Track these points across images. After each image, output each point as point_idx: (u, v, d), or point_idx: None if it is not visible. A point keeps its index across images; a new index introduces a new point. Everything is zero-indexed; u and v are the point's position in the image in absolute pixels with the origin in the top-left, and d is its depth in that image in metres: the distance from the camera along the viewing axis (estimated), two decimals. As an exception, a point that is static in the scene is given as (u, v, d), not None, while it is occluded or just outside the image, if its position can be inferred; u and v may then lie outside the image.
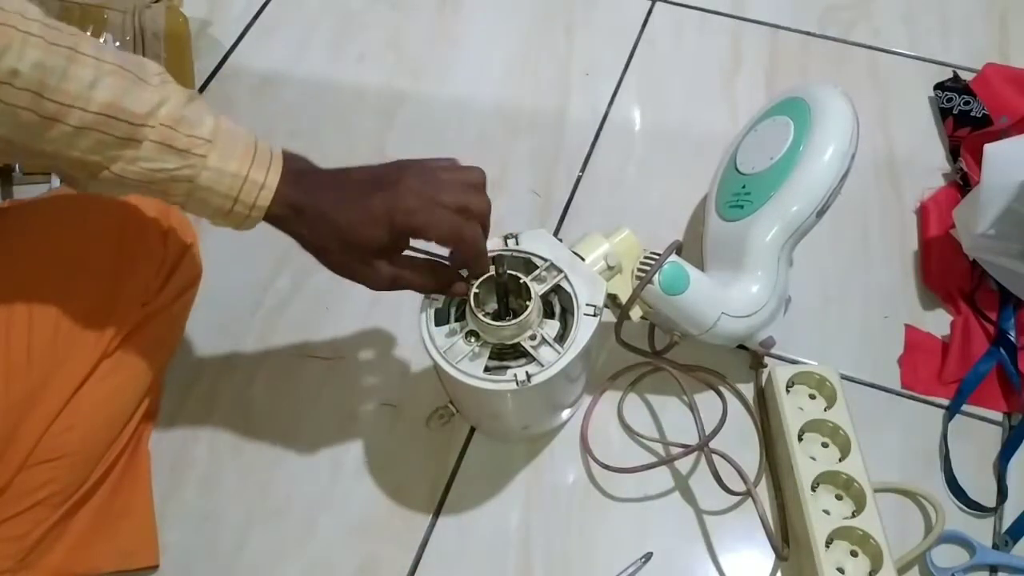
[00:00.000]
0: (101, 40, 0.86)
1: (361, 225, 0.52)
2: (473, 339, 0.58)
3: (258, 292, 0.83)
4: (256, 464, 0.74)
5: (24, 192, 0.87)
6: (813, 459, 0.67)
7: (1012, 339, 0.75)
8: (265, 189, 0.51)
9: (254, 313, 0.81)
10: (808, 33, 1.00)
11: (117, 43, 0.88)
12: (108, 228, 0.64)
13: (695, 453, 0.72)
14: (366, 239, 0.53)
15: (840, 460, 0.67)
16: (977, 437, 0.73)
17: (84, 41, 0.46)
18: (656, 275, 0.62)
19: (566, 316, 0.61)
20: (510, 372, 0.57)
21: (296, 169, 0.53)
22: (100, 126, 0.46)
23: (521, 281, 0.59)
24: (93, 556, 0.65)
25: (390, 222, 0.52)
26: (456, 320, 0.60)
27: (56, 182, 0.83)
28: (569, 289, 0.60)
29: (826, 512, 0.64)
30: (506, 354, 0.59)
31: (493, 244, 0.61)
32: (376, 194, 0.52)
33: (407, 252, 0.56)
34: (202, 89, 0.97)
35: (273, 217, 0.52)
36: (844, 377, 0.73)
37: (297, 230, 0.53)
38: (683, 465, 0.73)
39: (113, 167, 0.48)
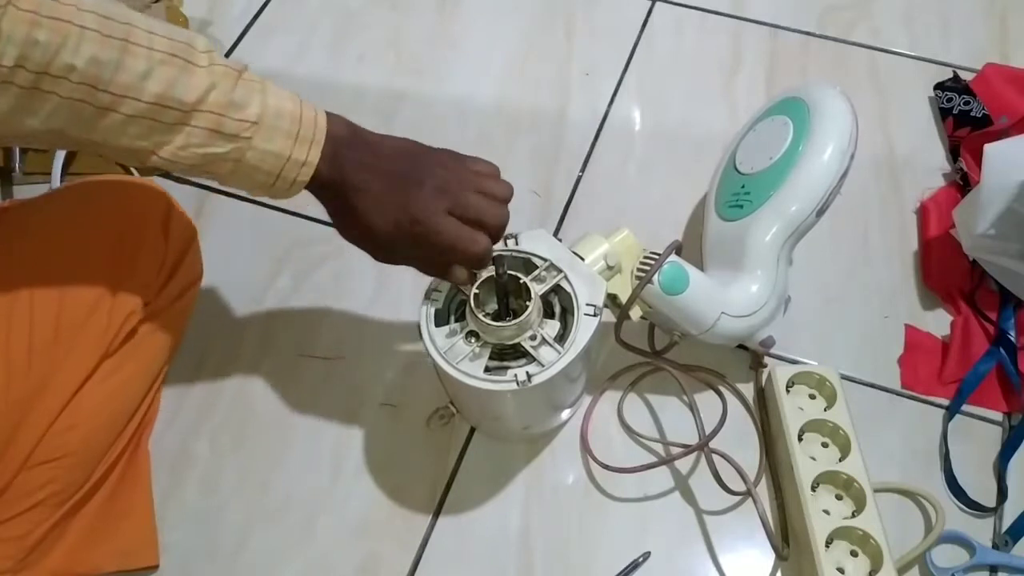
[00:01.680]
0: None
1: (373, 217, 0.54)
2: (473, 339, 0.58)
3: (258, 292, 0.82)
4: (256, 464, 0.74)
5: (24, 192, 0.87)
6: (813, 459, 0.67)
7: (1012, 339, 0.75)
8: (306, 166, 0.52)
9: (254, 313, 0.81)
10: (808, 33, 1.00)
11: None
12: (109, 228, 0.64)
13: (695, 453, 0.72)
14: (376, 230, 0.54)
15: (840, 460, 0.67)
16: (977, 437, 0.73)
17: (137, 29, 0.47)
18: (656, 275, 0.62)
19: (566, 316, 0.61)
20: (510, 372, 0.57)
21: (334, 145, 0.53)
22: (151, 114, 0.47)
23: (521, 281, 0.59)
24: (93, 556, 0.65)
25: (397, 224, 0.53)
26: (456, 321, 0.60)
27: (56, 182, 0.83)
28: (569, 289, 0.60)
29: (826, 512, 0.64)
30: (506, 354, 0.59)
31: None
32: (395, 193, 0.54)
33: None
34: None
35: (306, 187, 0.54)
36: (844, 377, 0.73)
37: (321, 200, 0.56)
38: (683, 465, 0.73)
39: (161, 152, 0.49)
